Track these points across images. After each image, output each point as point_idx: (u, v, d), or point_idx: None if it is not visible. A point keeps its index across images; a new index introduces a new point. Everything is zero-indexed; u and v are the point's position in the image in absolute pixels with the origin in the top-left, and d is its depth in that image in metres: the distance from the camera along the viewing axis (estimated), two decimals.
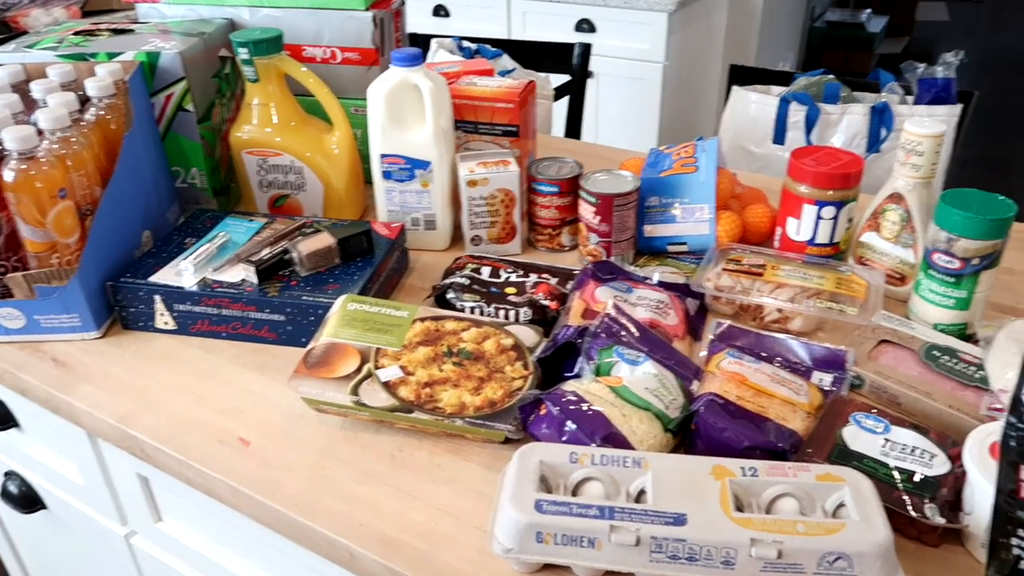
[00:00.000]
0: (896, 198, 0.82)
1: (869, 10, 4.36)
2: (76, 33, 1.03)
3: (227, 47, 1.05)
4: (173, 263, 0.85)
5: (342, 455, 0.67)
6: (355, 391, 0.67)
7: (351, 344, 0.71)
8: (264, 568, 0.78)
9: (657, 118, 2.45)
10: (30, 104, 0.87)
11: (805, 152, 0.87)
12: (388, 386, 0.68)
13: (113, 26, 1.05)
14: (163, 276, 0.83)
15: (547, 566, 0.56)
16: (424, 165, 0.93)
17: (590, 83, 2.47)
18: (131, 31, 1.03)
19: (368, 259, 0.86)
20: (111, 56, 0.94)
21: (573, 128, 1.70)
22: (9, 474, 1.03)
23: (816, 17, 4.19)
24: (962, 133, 1.26)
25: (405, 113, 0.92)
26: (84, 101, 0.89)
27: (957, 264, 0.74)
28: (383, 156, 0.94)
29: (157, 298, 0.82)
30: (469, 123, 0.99)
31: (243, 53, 0.95)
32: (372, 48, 1.06)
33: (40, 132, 0.79)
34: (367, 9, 1.04)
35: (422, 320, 0.75)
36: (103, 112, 0.89)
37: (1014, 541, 0.46)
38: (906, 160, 0.81)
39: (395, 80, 0.91)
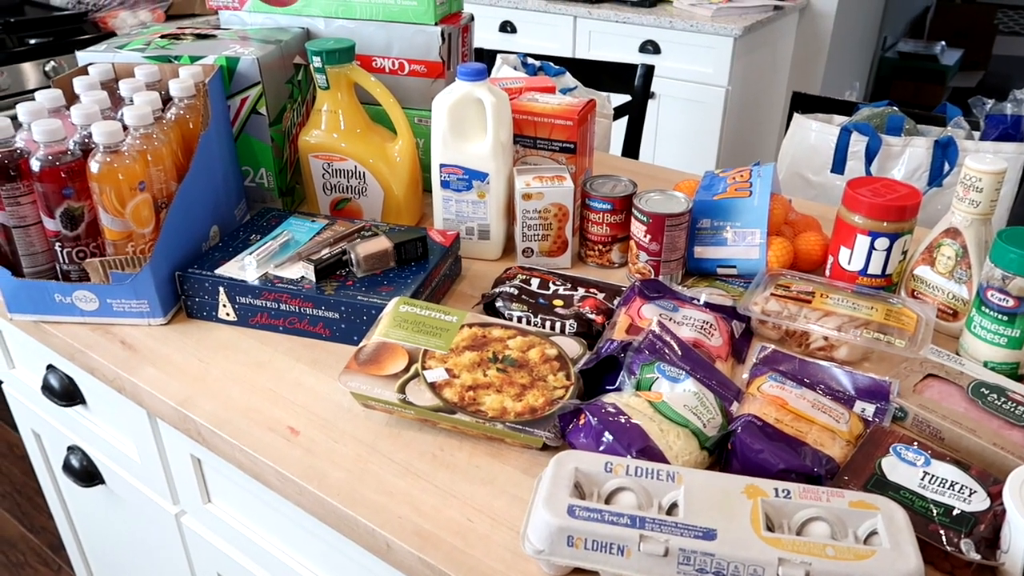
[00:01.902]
0: (952, 233, 0.82)
1: (943, 42, 4.27)
2: (163, 36, 1.09)
3: (301, 55, 1.10)
4: (238, 258, 0.89)
5: (385, 450, 0.69)
6: (402, 389, 0.69)
7: (401, 344, 0.74)
8: (304, 553, 0.81)
9: (717, 142, 2.45)
10: (116, 101, 0.93)
11: (861, 183, 0.87)
12: (434, 387, 0.70)
13: (197, 31, 1.11)
14: (227, 269, 0.87)
15: (576, 570, 0.57)
16: (482, 176, 0.96)
17: (651, 104, 2.49)
18: (213, 36, 1.09)
19: (422, 264, 0.89)
20: (193, 59, 1.00)
21: (631, 148, 1.71)
22: (72, 448, 1.08)
23: (888, 47, 4.12)
24: None
25: (467, 125, 0.95)
26: (166, 101, 0.94)
27: (1011, 303, 0.73)
28: (443, 166, 0.97)
29: (221, 290, 0.86)
30: (528, 138, 1.02)
31: (316, 61, 0.99)
32: (439, 61, 1.10)
33: (125, 128, 0.84)
34: (436, 24, 1.08)
35: (470, 326, 0.77)
36: (183, 112, 0.94)
37: None
38: (965, 196, 0.80)
39: (459, 93, 0.94)
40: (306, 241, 0.93)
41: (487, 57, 1.73)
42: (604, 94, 1.61)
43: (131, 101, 0.89)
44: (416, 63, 1.11)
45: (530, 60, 1.67)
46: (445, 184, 0.98)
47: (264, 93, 1.02)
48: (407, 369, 0.72)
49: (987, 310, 0.75)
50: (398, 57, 1.11)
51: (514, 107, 1.00)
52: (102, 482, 1.07)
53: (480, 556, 0.59)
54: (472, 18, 1.18)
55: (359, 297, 0.83)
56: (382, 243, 0.88)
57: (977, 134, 1.23)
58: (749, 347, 0.83)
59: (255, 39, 1.07)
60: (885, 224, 0.83)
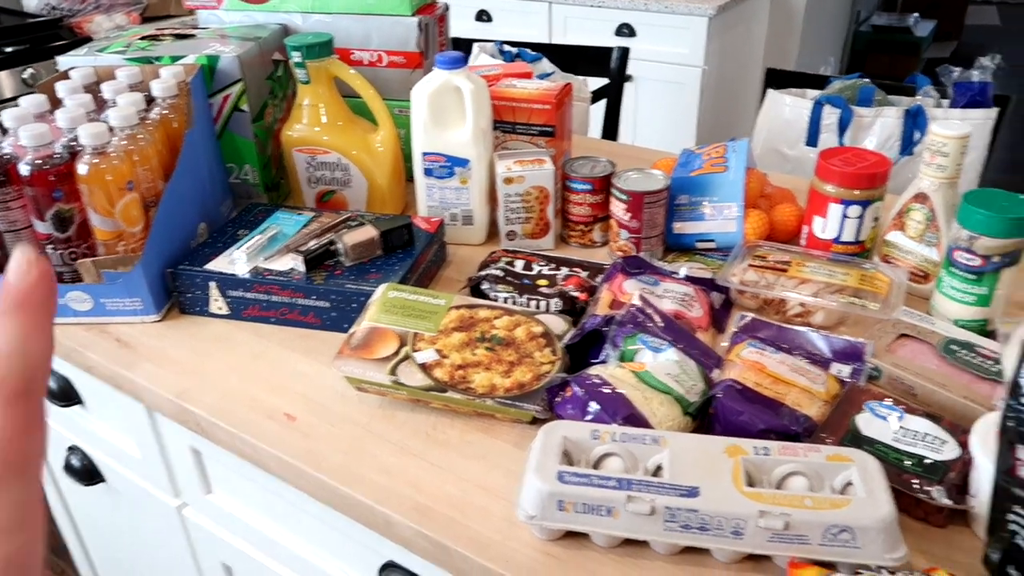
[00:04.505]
0: (921, 198, 0.84)
1: (916, 14, 4.30)
2: (142, 38, 1.10)
3: (280, 51, 1.11)
4: (227, 252, 0.91)
5: (380, 431, 0.71)
6: (393, 371, 0.72)
7: (391, 328, 0.76)
8: (305, 536, 0.83)
9: (695, 121, 2.47)
10: (100, 104, 0.94)
11: (833, 153, 0.89)
12: (424, 367, 0.72)
13: (176, 31, 1.12)
14: (218, 264, 0.89)
15: (568, 534, 0.59)
16: (463, 163, 0.98)
17: (629, 86, 2.50)
18: (192, 36, 1.10)
19: (408, 251, 0.91)
20: (174, 59, 1.01)
21: (610, 130, 1.74)
22: (72, 449, 1.10)
23: (861, 21, 4.15)
24: (998, 137, 1.26)
25: (446, 113, 0.97)
26: (149, 101, 0.95)
27: (978, 261, 0.76)
28: (424, 154, 0.98)
29: (212, 284, 0.88)
30: (507, 123, 1.04)
31: (296, 56, 1.00)
32: (417, 52, 1.11)
33: (110, 129, 0.85)
34: (413, 15, 1.09)
35: (457, 308, 0.79)
36: (166, 111, 0.95)
37: (1011, 517, 0.48)
38: (931, 161, 0.83)
39: (438, 82, 0.95)
40: (294, 234, 0.94)
41: (464, 46, 1.74)
42: (581, 78, 1.63)
43: (115, 103, 0.90)
44: (395, 54, 1.12)
45: (507, 47, 1.69)
46: (428, 172, 1.00)
47: (246, 90, 1.03)
48: (398, 352, 0.74)
49: (955, 270, 0.78)
50: (376, 49, 1.13)
51: (492, 93, 1.01)
52: (103, 480, 1.08)
53: (476, 527, 0.61)
54: (447, 8, 1.20)
55: (348, 285, 0.84)
56: (368, 232, 0.90)
57: (946, 102, 1.26)
58: (729, 317, 0.85)
59: (234, 37, 1.09)
60: (856, 192, 0.86)
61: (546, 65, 1.60)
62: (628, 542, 0.58)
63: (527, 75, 1.12)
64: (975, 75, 1.19)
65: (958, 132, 0.81)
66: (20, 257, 0.24)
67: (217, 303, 0.89)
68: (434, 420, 0.73)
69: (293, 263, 0.88)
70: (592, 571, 0.57)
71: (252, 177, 1.10)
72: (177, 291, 0.90)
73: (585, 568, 0.57)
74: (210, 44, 1.05)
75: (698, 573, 0.57)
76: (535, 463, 0.59)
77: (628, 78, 2.48)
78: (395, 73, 1.13)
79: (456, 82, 0.95)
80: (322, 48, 1.01)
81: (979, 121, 1.20)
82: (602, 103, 1.75)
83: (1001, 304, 0.78)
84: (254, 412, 0.75)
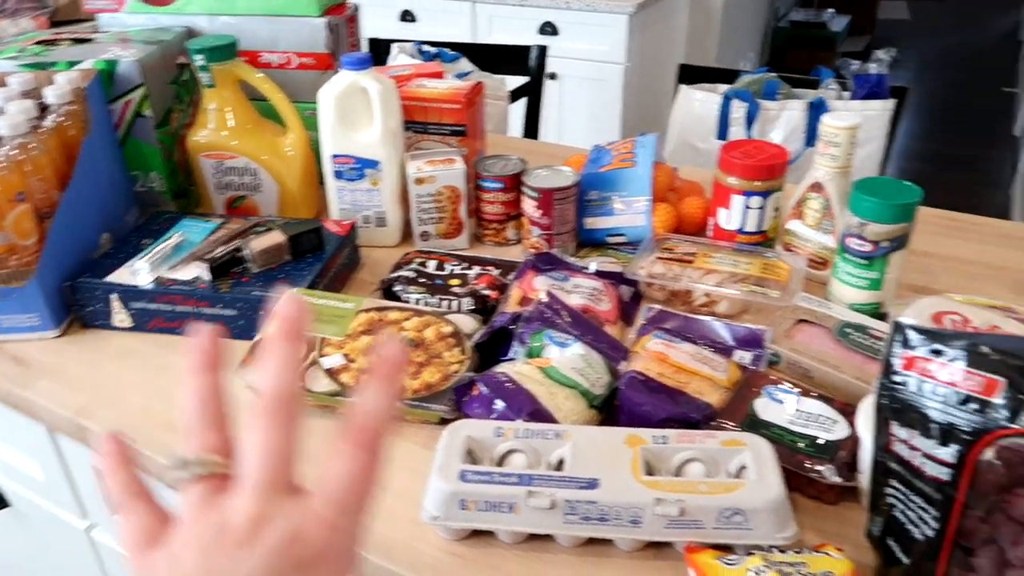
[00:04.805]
0: (817, 187, 0.87)
1: (832, 10, 4.45)
2: (38, 43, 1.06)
3: (185, 54, 1.08)
4: (129, 263, 0.88)
5: None
6: (299, 378, 0.70)
7: None
8: None
9: (620, 118, 2.51)
10: None
11: (734, 146, 0.91)
12: (331, 373, 0.71)
13: (74, 36, 1.08)
14: (119, 276, 0.86)
15: (474, 532, 0.59)
16: (373, 164, 0.97)
17: (554, 85, 2.52)
18: (91, 40, 1.06)
19: (318, 255, 0.90)
20: (71, 65, 0.97)
21: (531, 128, 1.75)
22: None
23: (780, 17, 4.28)
24: (905, 126, 1.31)
25: (355, 115, 0.96)
26: (44, 108, 0.92)
27: (868, 247, 0.79)
28: (334, 156, 0.97)
29: (114, 297, 0.85)
30: (419, 124, 1.03)
31: (199, 59, 0.98)
32: (326, 53, 1.10)
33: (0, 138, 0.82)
34: (321, 15, 1.08)
35: (367, 311, 0.79)
36: (62, 119, 0.91)
37: (888, 491, 0.50)
38: (824, 151, 0.86)
39: (344, 83, 0.94)
40: (200, 241, 0.92)
41: (383, 47, 1.73)
42: (498, 77, 1.63)
43: (3, 111, 0.86)
44: (304, 56, 1.11)
45: (426, 47, 1.68)
46: (338, 175, 0.98)
47: (148, 95, 1.00)
48: (304, 358, 0.73)
49: (848, 256, 0.80)
50: (285, 51, 1.11)
51: (403, 94, 1.01)
52: (7, 506, 1.04)
53: (382, 530, 0.61)
54: (357, 8, 1.18)
55: (255, 292, 0.83)
56: (276, 237, 0.89)
57: (847, 94, 1.31)
58: (638, 309, 0.87)
59: (136, 41, 1.05)
60: (757, 183, 0.88)
61: (464, 64, 1.60)
62: (533, 537, 0.58)
63: (438, 74, 1.12)
64: (873, 68, 1.24)
65: (848, 123, 0.84)
66: (280, 361, 0.34)
67: (120, 316, 0.86)
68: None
69: (198, 271, 0.86)
70: (497, 568, 0.57)
71: (159, 185, 1.07)
72: (77, 305, 0.86)
73: (490, 566, 0.58)
74: (109, 48, 1.02)
75: (602, 564, 0.57)
76: (438, 463, 0.59)
77: (553, 76, 2.51)
78: (305, 75, 1.11)
79: (363, 83, 0.94)
80: (225, 50, 0.99)
81: (877, 112, 1.24)
82: (524, 101, 1.76)
83: (892, 287, 0.81)
84: (157, 427, 0.73)
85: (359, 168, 0.97)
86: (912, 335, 0.49)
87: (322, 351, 0.73)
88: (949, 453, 0.46)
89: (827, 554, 0.53)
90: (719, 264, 0.86)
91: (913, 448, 0.48)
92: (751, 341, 0.77)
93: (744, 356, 0.75)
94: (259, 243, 0.88)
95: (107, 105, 0.99)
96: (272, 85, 1.01)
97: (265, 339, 0.33)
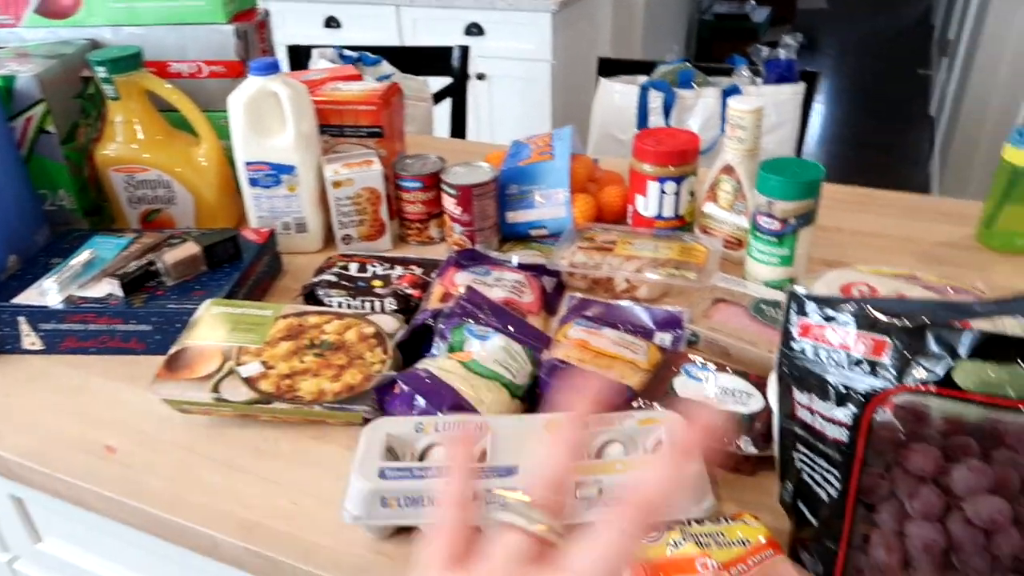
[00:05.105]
0: (728, 170, 0.89)
1: (753, 2, 4.56)
2: None
3: (88, 67, 1.05)
4: (37, 284, 0.85)
5: (206, 452, 0.69)
6: (216, 388, 0.69)
7: (212, 345, 0.73)
8: (145, 572, 0.79)
9: (549, 115, 2.52)
10: None
11: (647, 134, 0.93)
12: (249, 381, 0.70)
13: None
14: (26, 297, 0.83)
15: (400, 530, 0.59)
16: (289, 170, 0.96)
17: (483, 85, 2.53)
18: None
19: (235, 264, 0.88)
20: None
21: (458, 128, 1.74)
22: None
23: (704, 10, 4.36)
24: (810, 109, 1.35)
25: (266, 121, 0.95)
26: None
27: (777, 225, 0.81)
28: (247, 163, 0.96)
29: (21, 319, 0.82)
30: (335, 127, 1.02)
31: (101, 72, 0.95)
32: (237, 60, 1.08)
33: None
34: (229, 22, 1.06)
35: (286, 317, 0.78)
36: None
37: (795, 455, 0.52)
38: (732, 134, 0.88)
39: (253, 89, 0.93)
40: (112, 258, 0.89)
41: (303, 53, 1.71)
42: (420, 78, 1.63)
43: None
44: (214, 64, 1.08)
45: (347, 52, 1.66)
46: (253, 182, 0.97)
47: (50, 111, 0.97)
48: (220, 368, 0.71)
49: (759, 234, 0.82)
50: (195, 60, 1.08)
51: (317, 97, 1.00)
52: None
53: (307, 536, 0.60)
54: (267, 13, 1.17)
55: (170, 305, 0.81)
56: (190, 248, 0.87)
57: (760, 80, 1.34)
58: (561, 299, 0.87)
59: (36, 55, 1.02)
60: (671, 168, 0.90)
61: (386, 67, 1.59)
62: None
63: (354, 77, 1.11)
64: (782, 53, 1.27)
65: (752, 106, 0.86)
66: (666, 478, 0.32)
67: (29, 338, 0.83)
68: (265, 434, 0.71)
69: (110, 288, 0.83)
70: None
71: (68, 202, 1.03)
72: None
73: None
74: (6, 64, 0.98)
75: None
76: (357, 463, 0.58)
77: (481, 76, 2.51)
78: (217, 83, 1.09)
79: (272, 87, 0.93)
80: (129, 61, 0.96)
81: (788, 96, 1.28)
82: (449, 102, 1.75)
83: (803, 262, 0.83)
84: (71, 449, 0.70)
85: (274, 174, 0.96)
86: (807, 303, 0.50)
87: (239, 360, 0.72)
88: (846, 414, 0.47)
89: (744, 522, 0.55)
90: (639, 250, 0.87)
91: (813, 412, 0.49)
92: (670, 323, 0.78)
93: (664, 338, 0.76)
94: (173, 255, 0.86)
95: (7, 122, 0.96)
96: (180, 95, 0.99)
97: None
